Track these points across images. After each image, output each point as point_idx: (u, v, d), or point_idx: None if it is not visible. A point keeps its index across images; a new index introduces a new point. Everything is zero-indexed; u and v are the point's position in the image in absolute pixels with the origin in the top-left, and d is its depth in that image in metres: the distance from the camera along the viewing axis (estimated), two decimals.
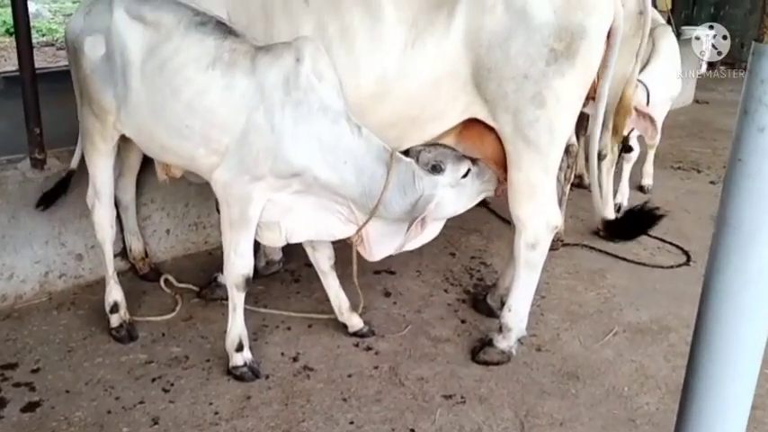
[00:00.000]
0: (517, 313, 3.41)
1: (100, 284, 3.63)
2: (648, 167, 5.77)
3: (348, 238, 3.18)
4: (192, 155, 3.03)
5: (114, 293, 3.49)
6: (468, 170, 3.08)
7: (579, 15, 2.88)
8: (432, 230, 3.15)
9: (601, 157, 4.64)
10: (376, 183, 2.96)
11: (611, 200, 4.94)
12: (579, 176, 5.64)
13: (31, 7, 12.77)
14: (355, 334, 3.59)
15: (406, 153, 3.11)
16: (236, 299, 3.17)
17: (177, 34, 2.97)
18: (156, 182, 3.77)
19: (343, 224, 3.14)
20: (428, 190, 3.00)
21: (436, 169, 3.03)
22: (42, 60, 9.40)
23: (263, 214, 3.03)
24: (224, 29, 2.99)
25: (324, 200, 3.06)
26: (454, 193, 3.07)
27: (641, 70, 4.70)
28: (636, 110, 4.51)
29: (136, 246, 4.02)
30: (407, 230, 2.97)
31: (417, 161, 3.05)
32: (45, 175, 3.68)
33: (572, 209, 5.19)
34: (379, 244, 3.17)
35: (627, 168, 5.37)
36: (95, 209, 3.42)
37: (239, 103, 2.87)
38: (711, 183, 6.11)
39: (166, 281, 3.95)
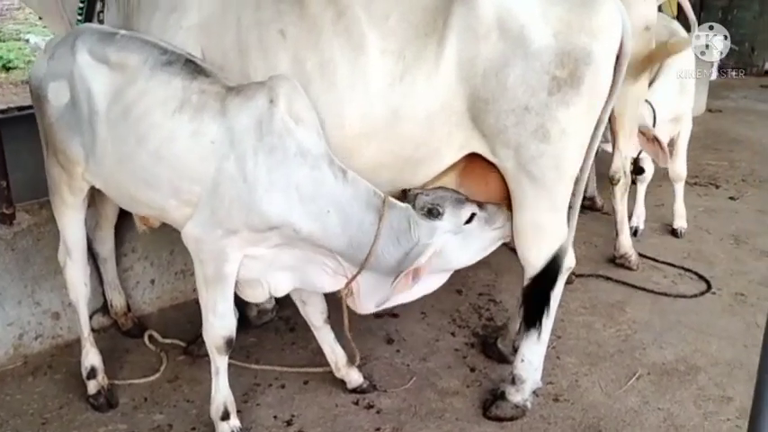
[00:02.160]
0: (531, 363, 3.12)
1: (79, 344, 3.34)
2: (679, 206, 5.08)
3: (337, 292, 2.90)
4: (162, 206, 2.76)
5: (91, 357, 3.22)
6: (473, 215, 2.77)
7: (583, 39, 2.60)
8: (435, 281, 2.87)
9: (614, 181, 4.36)
10: (365, 232, 2.67)
11: (627, 225, 4.62)
12: (591, 199, 5.34)
13: (31, 40, 12.71)
14: (355, 390, 3.30)
15: (403, 197, 2.82)
16: (219, 362, 2.88)
17: (143, 76, 2.71)
18: (136, 230, 3.51)
19: (330, 277, 2.85)
20: (425, 238, 2.69)
21: (433, 213, 2.71)
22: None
23: (241, 271, 2.75)
24: (193, 68, 2.72)
25: (308, 252, 2.77)
26: (458, 241, 2.75)
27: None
28: (641, 132, 4.22)
29: (117, 300, 3.74)
30: (393, 283, 2.65)
31: (414, 206, 2.75)
32: (14, 231, 3.42)
33: (584, 234, 4.89)
34: (371, 297, 2.87)
35: (641, 189, 5.04)
36: (67, 267, 3.15)
37: (209, 151, 2.60)
38: (731, 198, 5.80)
39: (151, 337, 3.67)
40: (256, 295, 2.91)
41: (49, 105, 2.87)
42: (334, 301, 3.17)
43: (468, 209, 2.77)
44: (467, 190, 2.90)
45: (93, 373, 3.21)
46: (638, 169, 4.76)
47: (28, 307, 3.51)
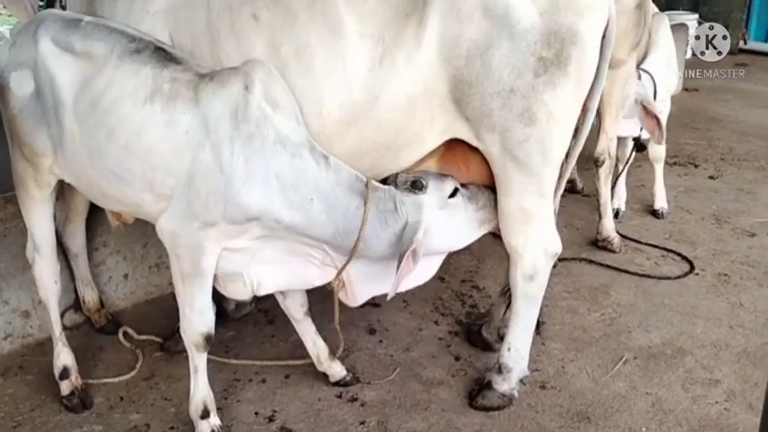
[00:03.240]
0: (517, 351, 3.05)
1: (51, 343, 3.21)
2: (659, 188, 5.04)
3: (327, 284, 2.80)
4: (136, 201, 2.65)
5: (63, 357, 3.09)
6: (456, 189, 2.71)
7: (570, 18, 2.51)
8: (427, 268, 2.80)
9: (599, 163, 4.30)
10: (351, 218, 2.58)
11: (610, 208, 4.57)
12: (571, 181, 5.28)
13: None
14: (338, 383, 3.22)
15: (384, 182, 2.74)
16: (197, 360, 2.78)
17: (110, 65, 2.58)
18: (108, 223, 3.38)
19: (318, 269, 2.76)
20: (413, 216, 2.61)
21: (417, 186, 2.65)
22: None
23: (221, 264, 2.64)
24: (163, 55, 2.59)
25: (292, 243, 2.67)
26: (445, 218, 2.69)
27: (640, 63, 4.34)
28: (643, 106, 4.14)
29: (90, 296, 3.61)
30: (397, 268, 2.56)
31: (396, 185, 2.68)
32: None
33: (566, 217, 4.84)
34: (364, 287, 2.80)
35: (623, 171, 4.99)
36: (35, 263, 3.02)
37: (182, 141, 2.48)
38: (711, 178, 5.79)
39: (125, 333, 3.55)
40: (238, 291, 2.80)
41: (12, 96, 2.74)
42: (314, 293, 3.08)
43: (451, 182, 2.72)
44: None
45: (65, 373, 3.09)
46: (639, 146, 4.70)
47: None
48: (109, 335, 3.59)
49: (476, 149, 2.76)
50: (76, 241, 3.51)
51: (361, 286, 2.82)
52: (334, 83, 2.57)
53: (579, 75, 2.60)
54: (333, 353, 3.21)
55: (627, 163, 4.87)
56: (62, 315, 3.22)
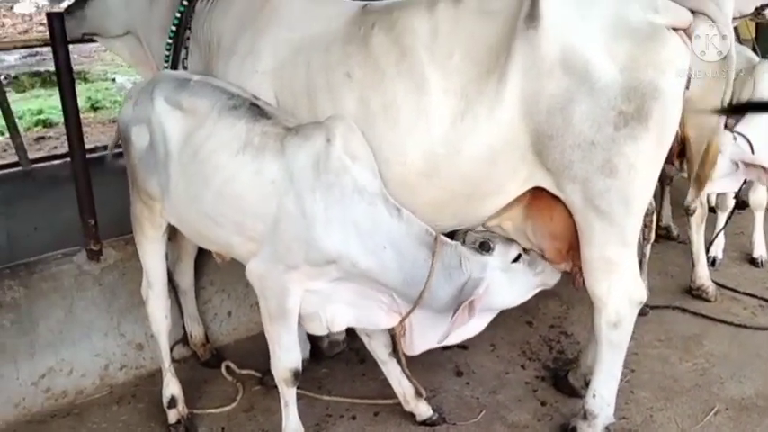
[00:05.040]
0: (602, 398, 3.07)
1: (161, 374, 3.49)
2: (759, 235, 4.87)
3: (392, 329, 2.96)
4: (228, 242, 2.91)
5: (171, 387, 3.36)
6: (519, 255, 2.86)
7: (650, 73, 2.58)
8: (477, 324, 2.90)
9: (690, 212, 4.27)
10: (419, 269, 2.74)
11: (704, 256, 4.49)
12: (666, 228, 5.23)
13: (117, 80, 13.33)
14: (424, 422, 3.33)
15: (452, 236, 2.89)
16: (287, 394, 2.97)
17: (210, 120, 2.88)
18: (214, 263, 3.65)
19: (386, 314, 2.92)
20: (476, 273, 2.75)
21: (485, 247, 2.80)
22: None
23: (302, 304, 2.84)
24: (256, 111, 2.87)
25: (364, 288, 2.85)
26: (505, 280, 2.83)
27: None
28: (744, 163, 4.10)
29: (196, 331, 3.89)
30: (453, 316, 2.70)
31: (464, 242, 2.84)
32: (101, 267, 3.62)
33: (660, 264, 4.80)
34: (422, 336, 2.92)
35: (721, 218, 4.86)
36: (149, 300, 3.32)
37: (269, 189, 2.72)
38: None
39: (228, 367, 3.79)
40: (316, 328, 2.99)
41: (133, 147, 3.07)
42: None
43: (516, 248, 2.86)
44: (533, 224, 2.92)
45: (173, 403, 3.35)
46: (740, 204, 4.63)
47: (113, 338, 3.70)
48: (213, 368, 3.84)
49: (560, 199, 2.86)
50: (185, 280, 3.81)
51: (420, 336, 2.94)
52: (418, 135, 2.74)
53: (661, 128, 2.65)
54: (419, 393, 3.32)
55: (728, 218, 4.78)
56: (172, 348, 3.50)
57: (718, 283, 4.54)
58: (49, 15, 3.38)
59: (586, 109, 2.60)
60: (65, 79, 3.44)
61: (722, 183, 4.33)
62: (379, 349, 3.24)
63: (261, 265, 2.78)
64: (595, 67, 2.59)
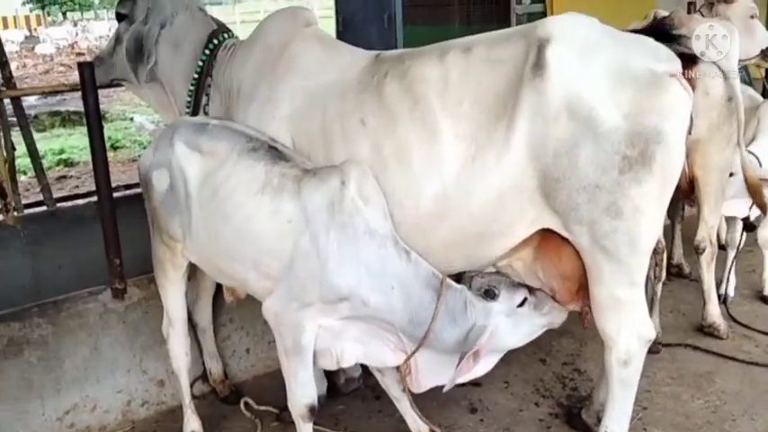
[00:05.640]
0: None
1: (181, 410, 3.59)
2: None
3: (398, 368, 3.04)
4: (244, 278, 3.03)
5: (192, 423, 3.46)
6: (525, 299, 2.94)
7: (654, 119, 2.69)
8: (485, 364, 2.99)
9: (699, 251, 4.33)
10: (424, 310, 2.83)
11: (715, 294, 4.54)
12: (678, 266, 5.29)
13: (136, 119, 13.64)
14: None
15: (459, 278, 2.98)
16: (304, 430, 3.06)
17: (230, 161, 3.01)
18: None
19: (392, 352, 3.01)
20: (480, 320, 2.85)
21: (489, 294, 2.89)
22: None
23: (315, 341, 2.94)
24: (275, 153, 3.00)
25: (373, 326, 2.95)
26: (510, 324, 2.92)
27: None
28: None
29: (216, 368, 3.99)
30: (458, 365, 2.80)
31: (470, 287, 2.92)
32: (126, 305, 3.73)
33: (672, 302, 4.85)
34: (427, 375, 3.01)
35: (731, 255, 4.94)
36: (170, 338, 3.43)
37: (286, 229, 2.84)
38: None
39: (246, 404, 3.87)
40: (326, 363, 3.08)
41: (154, 191, 3.21)
42: None
43: (522, 293, 2.94)
44: (542, 264, 3.01)
45: None
46: (748, 226, 4.68)
47: (136, 375, 3.79)
48: (232, 404, 3.92)
49: (568, 240, 2.94)
50: (204, 317, 3.91)
51: (425, 374, 3.03)
52: (430, 179, 2.86)
53: (664, 171, 2.74)
54: (433, 431, 3.38)
55: (737, 249, 4.83)
56: (192, 385, 3.60)
57: (734, 319, 4.59)
58: (79, 65, 3.55)
59: (591, 153, 2.70)
60: (93, 122, 3.58)
61: (731, 205, 4.41)
62: (392, 386, 3.32)
63: (276, 303, 2.89)
64: (599, 112, 2.69)
